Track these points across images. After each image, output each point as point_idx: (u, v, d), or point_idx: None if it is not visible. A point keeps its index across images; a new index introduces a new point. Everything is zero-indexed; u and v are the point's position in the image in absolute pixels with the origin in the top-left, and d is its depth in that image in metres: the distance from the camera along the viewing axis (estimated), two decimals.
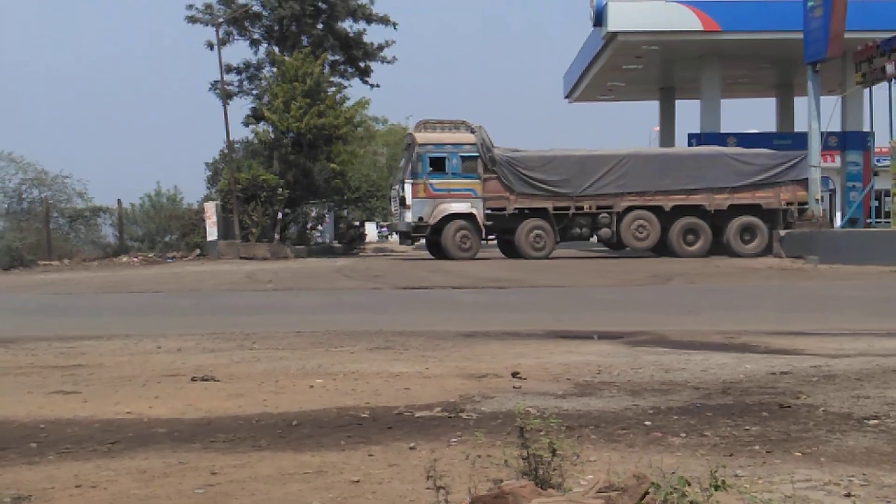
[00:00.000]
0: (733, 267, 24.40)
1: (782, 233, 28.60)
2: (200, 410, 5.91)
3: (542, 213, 30.28)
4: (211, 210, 34.73)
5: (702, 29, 35.08)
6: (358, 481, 4.22)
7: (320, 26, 40.98)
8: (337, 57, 41.70)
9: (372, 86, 42.58)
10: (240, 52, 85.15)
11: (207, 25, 39.21)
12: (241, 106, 47.70)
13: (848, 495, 3.86)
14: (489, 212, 30.14)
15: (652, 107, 48.45)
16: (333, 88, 39.73)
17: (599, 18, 35.57)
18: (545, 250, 30.11)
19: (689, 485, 3.40)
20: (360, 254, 42.43)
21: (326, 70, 39.30)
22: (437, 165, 29.93)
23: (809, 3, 28.77)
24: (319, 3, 40.14)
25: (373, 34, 48.70)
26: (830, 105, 31.95)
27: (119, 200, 36.55)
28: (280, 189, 35.85)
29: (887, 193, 32.96)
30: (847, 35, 28.35)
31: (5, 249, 30.10)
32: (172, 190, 38.70)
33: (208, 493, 4.11)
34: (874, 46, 28.59)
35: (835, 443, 4.82)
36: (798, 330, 9.94)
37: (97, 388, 6.78)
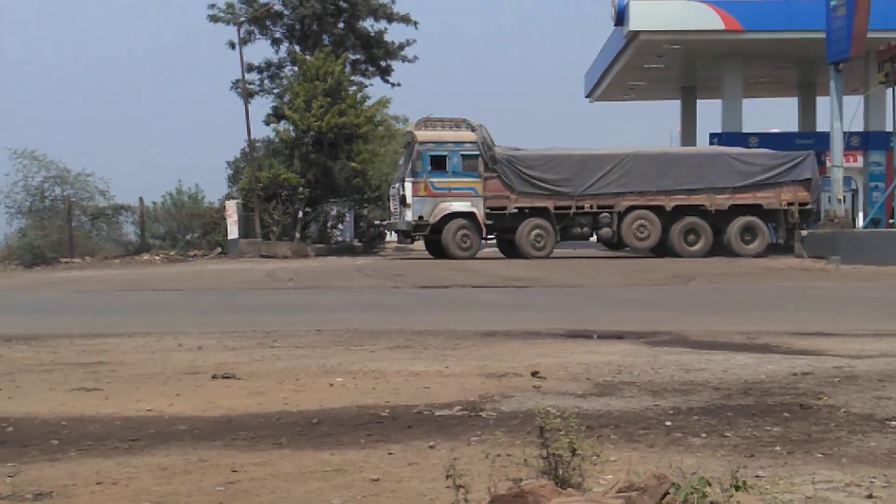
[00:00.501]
0: (755, 267, 24.30)
1: (804, 233, 28.46)
2: (221, 408, 5.93)
3: (542, 213, 30.03)
4: (232, 208, 34.82)
5: (724, 28, 34.94)
6: (378, 480, 4.23)
7: (341, 25, 41.02)
8: (358, 56, 41.73)
9: (393, 85, 42.63)
10: (261, 51, 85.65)
11: (229, 24, 39.32)
12: (263, 105, 47.94)
13: (869, 496, 3.84)
14: (489, 211, 29.93)
15: (673, 106, 48.23)
16: (354, 87, 39.76)
17: (621, 18, 35.47)
18: (546, 250, 29.91)
19: (710, 485, 3.39)
20: (381, 253, 42.46)
21: (347, 69, 39.33)
22: (438, 164, 29.70)
23: (832, 3, 28.62)
24: (341, 3, 40.19)
25: (394, 33, 48.78)
26: (853, 105, 31.79)
27: (141, 198, 36.72)
28: (301, 188, 35.92)
29: None
30: (870, 35, 28.18)
31: (28, 247, 30.28)
32: (194, 188, 38.79)
33: (229, 490, 4.12)
34: None
35: (856, 444, 4.80)
36: (820, 330, 9.90)
37: (119, 386, 6.81)
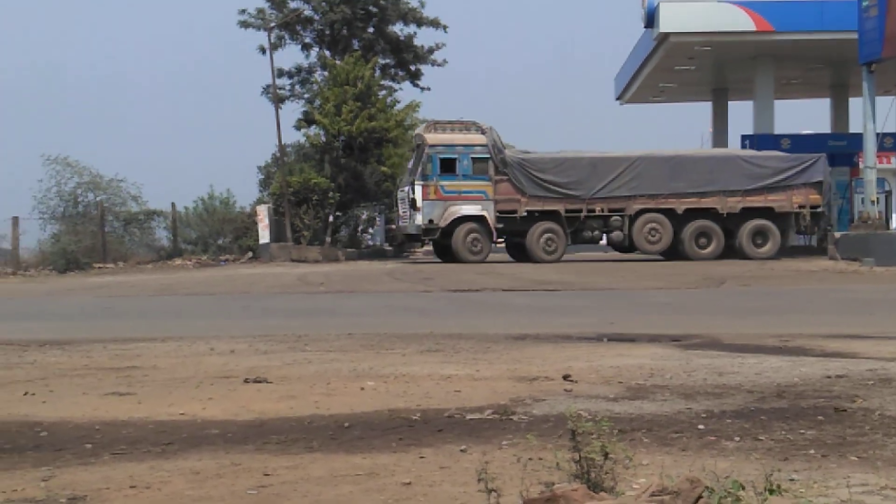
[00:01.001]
0: (787, 270, 24.15)
1: (837, 235, 28.26)
2: (253, 412, 5.95)
3: (553, 216, 29.83)
4: (263, 213, 34.97)
5: (755, 30, 34.74)
6: (409, 483, 4.23)
7: (371, 30, 41.14)
8: (388, 60, 41.85)
9: (422, 89, 42.73)
10: (291, 56, 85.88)
11: (260, 30, 39.53)
12: (293, 110, 48.00)
13: None
14: (499, 214, 29.68)
15: (705, 108, 48.03)
16: (384, 92, 39.87)
17: (651, 20, 35.34)
18: (557, 253, 29.72)
19: (744, 489, 3.37)
20: (411, 257, 42.50)
21: (377, 73, 39.44)
22: (448, 167, 29.47)
23: (864, 3, 28.40)
24: (370, 7, 40.32)
25: (423, 37, 48.74)
26: (886, 105, 31.51)
27: (173, 204, 36.93)
28: (331, 192, 36.01)
29: None
30: None
31: (61, 252, 30.52)
32: (225, 193, 38.98)
33: (261, 494, 4.13)
34: None
35: (891, 447, 4.75)
36: (853, 333, 9.82)
37: (151, 390, 6.85)
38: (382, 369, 7.60)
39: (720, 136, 43.97)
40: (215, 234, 37.15)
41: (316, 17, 40.61)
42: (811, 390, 6.36)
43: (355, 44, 40.63)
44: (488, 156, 29.60)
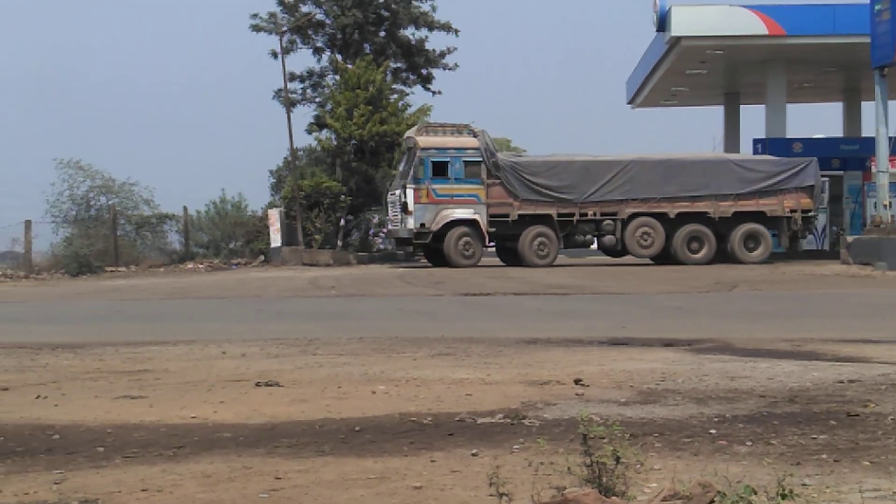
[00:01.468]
0: (799, 274, 24.09)
1: (850, 238, 28.16)
2: (264, 415, 5.96)
3: (546, 220, 29.52)
4: (275, 217, 35.01)
5: (767, 34, 34.66)
6: (420, 487, 4.23)
7: (382, 34, 41.14)
8: (399, 64, 41.83)
9: (434, 93, 42.66)
10: (303, 60, 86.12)
11: (271, 34, 39.55)
12: (305, 114, 48.08)
13: None
14: (491, 218, 29.35)
15: (717, 112, 47.89)
16: (396, 96, 39.85)
17: (663, 24, 35.28)
18: (549, 258, 29.43)
19: (756, 493, 3.36)
20: (422, 260, 42.48)
21: (389, 77, 39.43)
22: (440, 170, 29.14)
23: (877, 7, 28.33)
24: (382, 11, 40.33)
25: (435, 41, 48.70)
26: None
27: (185, 207, 37.00)
28: (343, 196, 36.03)
29: None
30: None
31: (74, 256, 30.59)
32: (237, 197, 39.04)
33: (272, 497, 4.14)
34: None
35: None
36: (866, 338, 9.79)
37: (163, 393, 6.86)
38: (394, 373, 7.61)
39: (732, 140, 43.87)
40: (227, 237, 37.21)
41: (327, 21, 40.64)
42: (823, 395, 6.34)
43: (367, 48, 40.63)
44: (480, 159, 29.28)
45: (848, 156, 36.33)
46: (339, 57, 40.24)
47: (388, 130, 36.89)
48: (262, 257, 34.91)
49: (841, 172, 36.84)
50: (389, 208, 30.96)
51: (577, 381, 6.95)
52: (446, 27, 41.13)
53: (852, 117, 42.88)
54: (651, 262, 30.67)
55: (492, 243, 30.86)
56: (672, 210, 29.82)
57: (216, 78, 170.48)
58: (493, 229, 29.44)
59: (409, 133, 31.14)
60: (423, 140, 29.31)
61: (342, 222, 36.82)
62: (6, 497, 4.23)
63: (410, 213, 28.85)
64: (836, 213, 37.14)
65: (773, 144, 35.50)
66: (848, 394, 6.36)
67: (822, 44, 34.55)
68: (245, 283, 23.48)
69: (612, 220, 29.68)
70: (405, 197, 29.01)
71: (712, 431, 5.26)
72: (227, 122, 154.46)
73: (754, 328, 11.24)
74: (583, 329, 11.07)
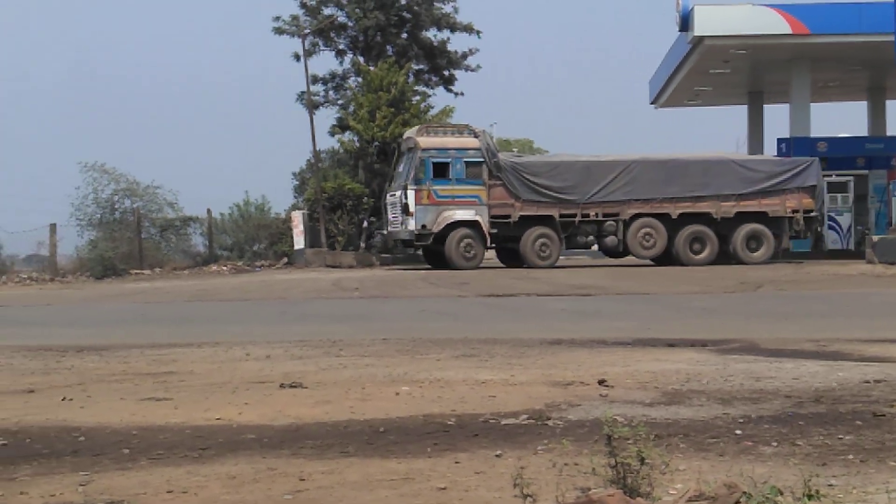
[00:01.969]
0: (824, 274, 23.96)
1: (875, 238, 28.00)
2: (289, 417, 5.97)
3: (547, 221, 29.33)
4: (298, 219, 35.09)
5: (790, 32, 34.51)
6: (445, 488, 4.23)
7: (405, 36, 41.17)
8: (421, 66, 41.84)
9: (456, 94, 42.63)
10: (325, 62, 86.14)
11: (294, 37, 39.64)
12: (327, 116, 48.10)
13: None
14: (492, 219, 29.16)
15: (740, 111, 47.69)
16: (418, 97, 39.87)
17: (685, 23, 35.18)
18: (551, 259, 29.26)
19: (782, 494, 3.35)
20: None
21: (411, 79, 39.46)
22: (441, 171, 28.94)
23: None
24: (404, 13, 40.37)
25: (457, 42, 48.66)
26: None
27: (209, 210, 37.14)
28: (365, 198, 36.08)
29: None
30: None
31: (98, 259, 30.74)
32: (260, 199, 39.16)
33: (297, 498, 4.14)
34: None
35: None
36: (892, 337, 9.73)
37: (188, 395, 6.89)
38: (417, 374, 7.61)
39: (756, 139, 43.70)
40: (251, 240, 37.34)
41: (350, 24, 40.70)
42: (849, 395, 6.31)
43: (389, 50, 40.67)
44: (482, 160, 29.07)
45: (873, 154, 36.13)
46: (361, 59, 40.29)
47: None
48: (285, 259, 35.00)
49: (866, 171, 36.65)
50: (388, 209, 30.75)
51: (601, 382, 6.94)
52: (468, 28, 41.11)
53: (877, 116, 42.65)
54: (653, 263, 30.49)
55: (492, 244, 30.57)
56: (674, 210, 29.66)
57: (240, 81, 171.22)
58: (494, 230, 29.25)
59: (408, 133, 30.89)
60: (424, 141, 29.11)
61: (365, 224, 36.88)
62: (33, 499, 4.26)
63: (411, 214, 28.63)
64: (860, 212, 36.89)
65: (797, 144, 35.33)
66: (874, 394, 6.32)
67: (847, 42, 34.36)
68: (269, 285, 23.54)
69: (615, 220, 29.48)
70: (406, 198, 28.79)
71: (738, 432, 5.24)
72: (251, 125, 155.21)
73: (779, 328, 11.18)
74: (607, 330, 11.05)
